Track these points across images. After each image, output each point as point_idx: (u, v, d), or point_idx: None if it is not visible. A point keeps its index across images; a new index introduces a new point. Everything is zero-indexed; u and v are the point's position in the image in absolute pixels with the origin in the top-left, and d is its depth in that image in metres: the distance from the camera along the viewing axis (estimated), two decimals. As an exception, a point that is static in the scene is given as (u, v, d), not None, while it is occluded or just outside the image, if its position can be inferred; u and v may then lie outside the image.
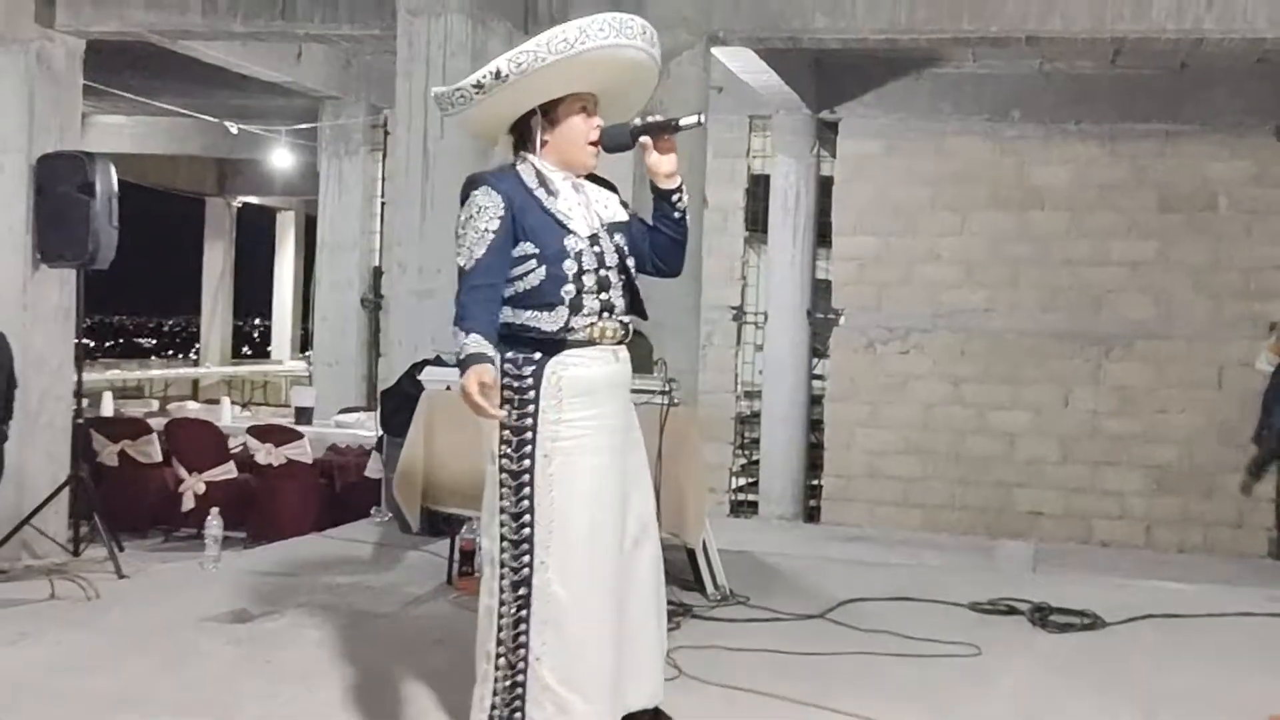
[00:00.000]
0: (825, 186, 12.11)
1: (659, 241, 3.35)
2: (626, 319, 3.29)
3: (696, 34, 7.79)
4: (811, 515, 12.20)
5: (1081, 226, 11.52)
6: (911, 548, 10.03)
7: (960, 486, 11.72)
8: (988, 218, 11.71)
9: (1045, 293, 11.59)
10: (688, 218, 3.35)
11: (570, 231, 3.20)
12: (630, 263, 3.30)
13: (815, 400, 12.23)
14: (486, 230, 3.14)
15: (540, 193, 3.21)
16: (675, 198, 3.30)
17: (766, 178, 12.21)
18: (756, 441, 12.33)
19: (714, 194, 10.32)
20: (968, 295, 11.76)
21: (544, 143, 3.27)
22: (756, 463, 12.32)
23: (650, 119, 3.26)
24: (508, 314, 3.18)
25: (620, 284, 3.27)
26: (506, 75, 3.14)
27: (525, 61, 3.12)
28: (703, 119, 3.29)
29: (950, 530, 11.30)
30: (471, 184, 3.23)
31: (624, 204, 3.39)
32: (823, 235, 12.13)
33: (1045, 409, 11.55)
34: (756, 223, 12.35)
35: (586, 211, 3.26)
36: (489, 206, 3.16)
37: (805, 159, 11.95)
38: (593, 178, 3.36)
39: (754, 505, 12.29)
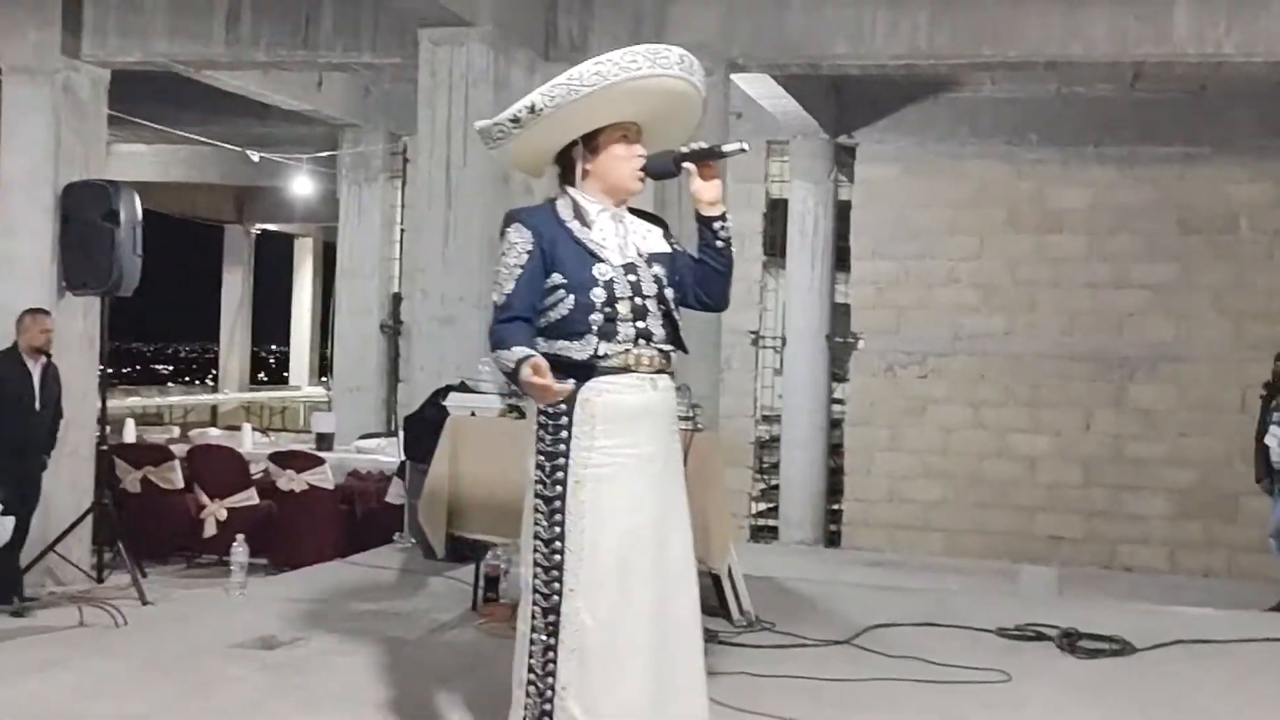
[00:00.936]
0: (843, 211, 12.13)
1: (702, 274, 3.32)
2: (666, 348, 3.27)
3: (717, 60, 7.81)
4: (832, 540, 12.16)
5: (1101, 250, 11.50)
6: (933, 572, 10.03)
7: (981, 511, 11.67)
8: (1006, 241, 11.70)
9: (1065, 316, 11.56)
10: (732, 249, 3.32)
11: (601, 260, 3.20)
12: (669, 293, 3.27)
13: (834, 424, 12.21)
14: (516, 265, 3.18)
15: (574, 224, 3.22)
16: (718, 225, 3.28)
17: (784, 202, 12.24)
18: (776, 466, 12.31)
19: (732, 218, 10.24)
20: (987, 319, 11.74)
21: (586, 173, 3.27)
22: (776, 487, 12.30)
23: (694, 146, 3.26)
24: (541, 345, 3.18)
25: (659, 313, 3.25)
26: (541, 109, 3.16)
27: (559, 95, 3.14)
28: (747, 146, 3.28)
29: (971, 555, 11.26)
30: (506, 221, 3.26)
31: (671, 239, 3.37)
32: (841, 259, 12.14)
33: (1066, 432, 11.51)
34: (774, 247, 12.37)
35: (624, 241, 3.26)
36: (518, 242, 3.20)
37: (823, 183, 11.98)
38: (640, 213, 3.37)
39: (774, 530, 12.26)
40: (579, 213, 3.25)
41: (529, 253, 3.18)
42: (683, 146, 3.28)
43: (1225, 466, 11.10)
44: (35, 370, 7.54)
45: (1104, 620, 5.45)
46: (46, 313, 7.70)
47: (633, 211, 3.36)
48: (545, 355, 3.16)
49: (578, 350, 3.16)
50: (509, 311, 3.18)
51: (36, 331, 7.50)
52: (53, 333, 7.57)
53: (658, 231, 3.36)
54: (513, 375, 3.09)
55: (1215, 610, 6.24)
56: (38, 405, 7.52)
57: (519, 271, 3.17)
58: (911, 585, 8.65)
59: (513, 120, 3.22)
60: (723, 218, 3.29)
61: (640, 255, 3.26)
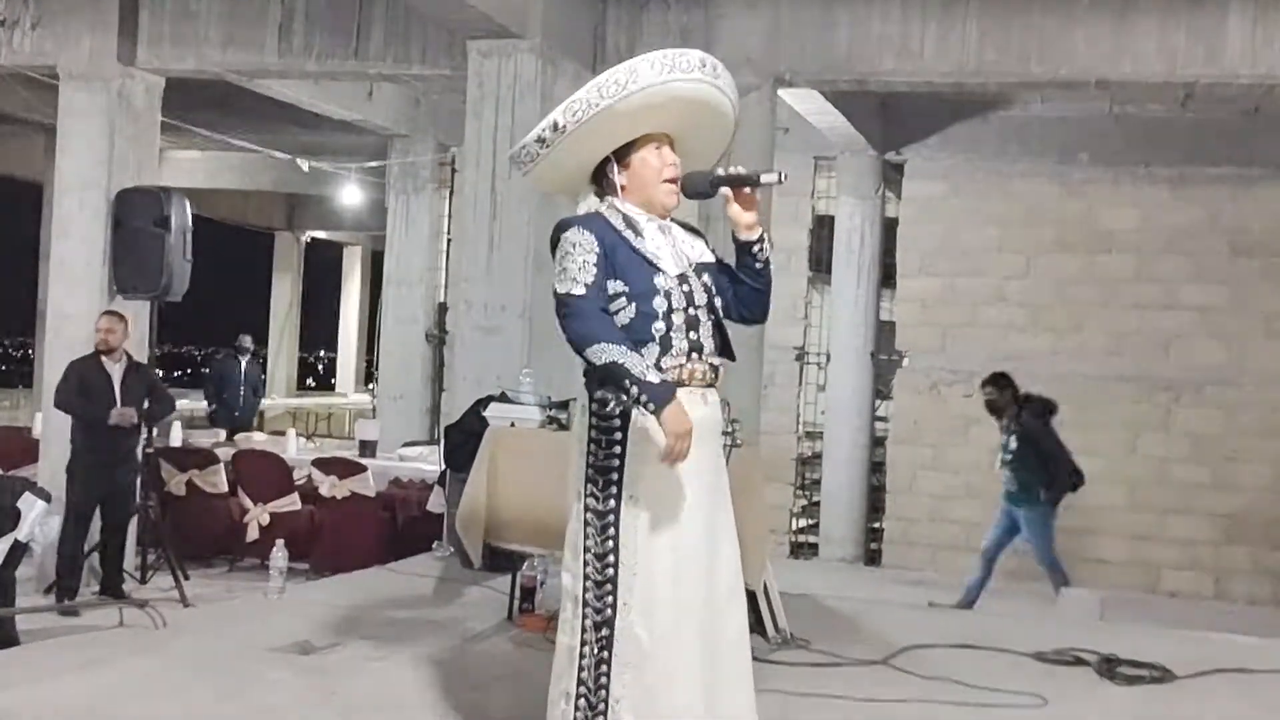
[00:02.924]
0: (889, 227, 12.08)
1: (742, 292, 3.32)
2: (716, 361, 3.26)
3: (763, 76, 7.83)
4: (873, 558, 12.09)
5: (1150, 270, 11.38)
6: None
7: (1024, 532, 11.54)
8: (1054, 260, 11.60)
9: (1112, 337, 11.44)
10: (770, 268, 3.31)
11: (659, 270, 3.19)
12: (718, 302, 3.28)
13: (877, 442, 12.14)
14: (586, 261, 3.14)
15: (628, 233, 3.21)
16: (756, 249, 3.26)
17: (831, 218, 12.21)
18: (817, 482, 12.25)
19: (778, 234, 10.27)
20: (1033, 338, 11.65)
21: (622, 187, 3.27)
22: (817, 504, 12.24)
23: (732, 170, 3.22)
24: None
25: (710, 323, 3.25)
26: (564, 126, 3.17)
27: (580, 109, 3.14)
28: (784, 177, 3.24)
29: (1013, 577, 11.13)
30: (561, 227, 3.23)
31: (712, 250, 3.39)
32: (887, 276, 12.09)
33: (1112, 454, 11.36)
34: (820, 263, 12.34)
35: (674, 251, 3.26)
36: (583, 242, 3.17)
37: (870, 200, 11.94)
38: (680, 223, 3.36)
39: (814, 547, 12.20)
40: (630, 222, 3.24)
41: (596, 252, 3.15)
42: (720, 169, 3.25)
43: (1273, 492, 10.94)
44: (115, 372, 7.68)
45: (1145, 646, 5.39)
46: (115, 314, 7.84)
47: (674, 222, 3.37)
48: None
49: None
50: (589, 302, 3.11)
51: (105, 333, 7.67)
52: (112, 332, 7.69)
53: (701, 242, 3.37)
54: (626, 387, 3.03)
55: (1260, 639, 6.14)
56: (118, 404, 7.65)
57: (592, 268, 3.13)
58: (951, 605, 8.59)
59: (538, 141, 3.23)
60: (760, 240, 3.26)
61: (690, 265, 3.26)
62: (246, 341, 13.18)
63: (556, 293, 3.17)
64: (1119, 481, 11.36)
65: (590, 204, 3.32)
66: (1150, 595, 10.25)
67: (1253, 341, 11.13)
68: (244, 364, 12.98)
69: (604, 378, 3.09)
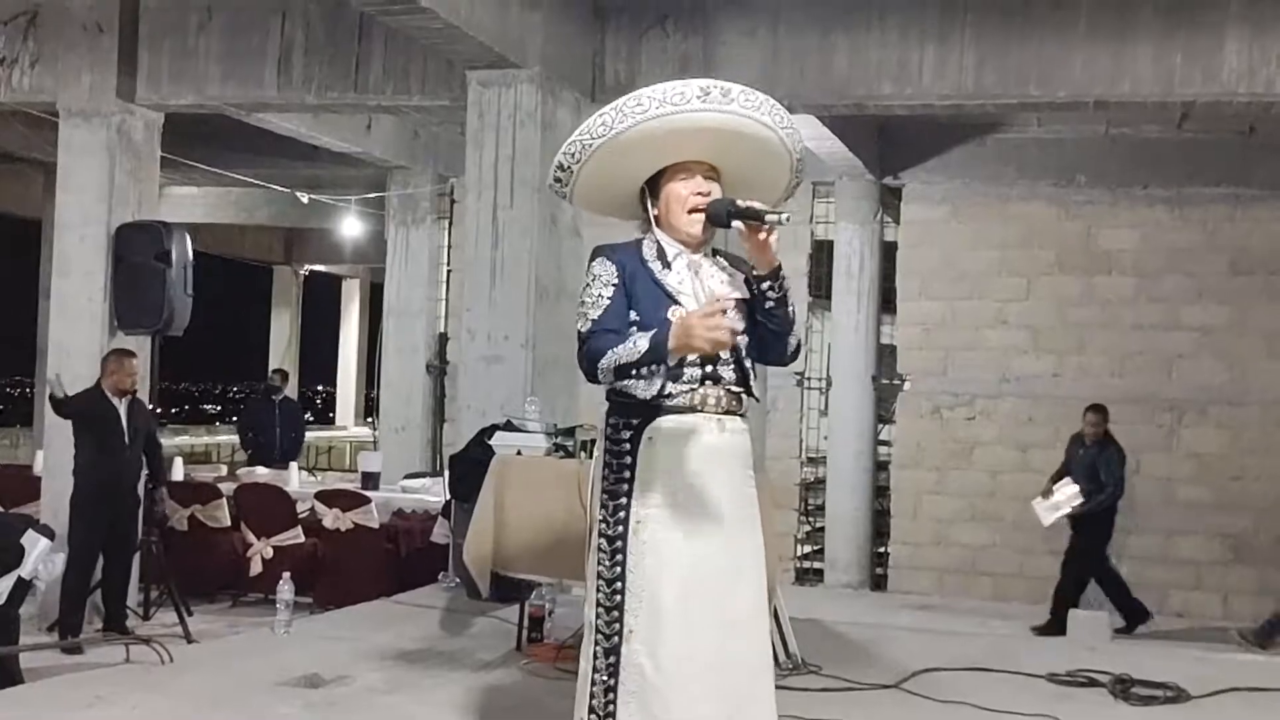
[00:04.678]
0: (889, 252, 12.09)
1: (760, 333, 3.22)
2: (736, 389, 3.19)
3: (762, 101, 7.83)
4: (878, 583, 12.04)
5: (1151, 291, 11.39)
6: (981, 616, 9.90)
7: (1029, 555, 11.50)
8: (1054, 282, 11.61)
9: (1114, 358, 11.44)
10: (789, 309, 3.19)
11: (677, 304, 3.13)
12: (742, 341, 3.19)
13: (881, 466, 12.11)
14: (601, 295, 3.13)
15: (655, 265, 3.17)
16: (765, 285, 3.15)
17: (830, 243, 12.22)
18: (821, 508, 12.22)
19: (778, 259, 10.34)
20: (1035, 360, 11.64)
21: (656, 217, 3.24)
22: (822, 529, 12.21)
23: (746, 203, 3.12)
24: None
25: (731, 360, 3.17)
26: (570, 168, 3.17)
27: (576, 151, 3.14)
28: (786, 218, 3.09)
29: (1020, 599, 11.10)
30: (592, 256, 3.22)
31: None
32: (887, 300, 12.09)
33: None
34: (820, 288, 12.35)
35: (698, 286, 3.18)
36: (602, 274, 3.16)
37: (869, 224, 11.96)
38: (727, 256, 3.29)
39: (819, 573, 12.15)
40: (661, 254, 3.20)
41: (614, 284, 3.13)
42: (741, 200, 3.13)
43: (1279, 511, 10.91)
44: (122, 408, 7.69)
45: (1158, 666, 5.36)
46: (132, 355, 7.87)
47: (718, 253, 3.28)
48: (615, 390, 3.14)
49: (643, 389, 3.09)
50: (598, 328, 3.10)
51: (124, 375, 7.73)
52: (133, 374, 7.74)
53: (739, 277, 3.25)
54: (643, 360, 3.00)
55: (1271, 657, 6.11)
56: (126, 440, 7.66)
57: (606, 302, 3.12)
58: (959, 629, 8.55)
59: (556, 181, 3.23)
60: (773, 276, 3.14)
61: (715, 299, 3.12)
62: (276, 380, 12.74)
63: (578, 331, 3.17)
64: (1124, 503, 11.30)
65: (638, 231, 3.30)
66: (1158, 616, 10.19)
67: (1255, 361, 11.13)
68: (278, 402, 12.46)
69: (621, 378, 3.07)
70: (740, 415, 3.21)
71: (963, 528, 11.74)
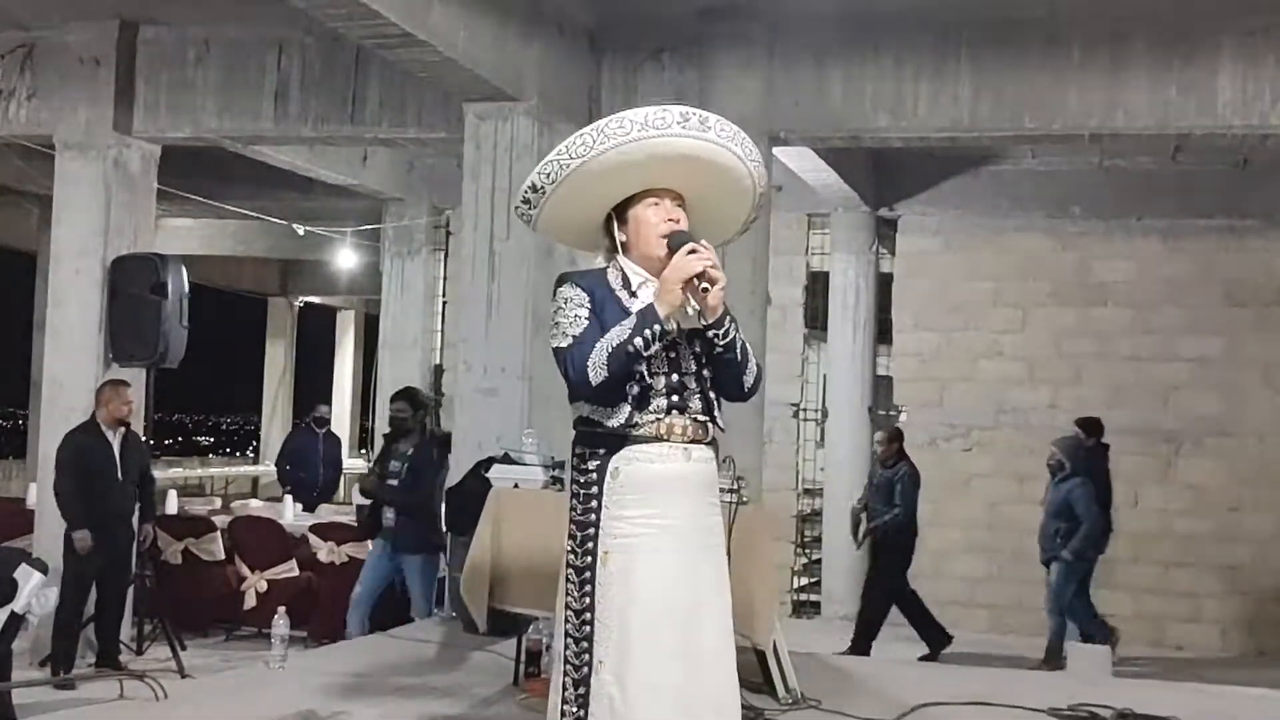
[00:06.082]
0: (884, 283, 12.10)
1: (716, 370, 3.22)
2: (703, 418, 3.19)
3: (758, 134, 7.83)
4: (875, 616, 11.96)
5: (1146, 322, 11.40)
6: (980, 650, 9.84)
7: (1027, 587, 11.43)
8: (1050, 314, 11.62)
9: (1110, 389, 11.43)
10: (738, 348, 3.17)
11: None
12: (707, 372, 3.20)
13: (878, 498, 12.06)
14: (578, 316, 3.11)
15: (621, 293, 3.18)
16: (712, 334, 3.15)
17: (825, 275, 12.23)
18: (818, 540, 12.17)
19: (773, 291, 10.32)
20: (1031, 392, 11.64)
21: (623, 243, 3.24)
22: (818, 561, 12.15)
23: (699, 244, 3.09)
24: (579, 407, 3.16)
25: (697, 389, 3.18)
26: (542, 188, 3.15)
27: (552, 171, 3.12)
28: (720, 288, 3.08)
29: (1018, 632, 11.05)
30: (558, 282, 3.21)
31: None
32: (882, 332, 12.09)
33: (1114, 507, 11.31)
34: (816, 319, 12.35)
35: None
36: (574, 297, 3.14)
37: (864, 256, 11.97)
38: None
39: (816, 605, 12.10)
40: (626, 282, 3.21)
41: (586, 307, 3.12)
42: (702, 242, 3.10)
43: (1277, 543, 10.89)
44: (115, 440, 7.65)
45: (1159, 700, 5.32)
46: (126, 384, 7.84)
47: None
48: (581, 419, 3.14)
49: (611, 417, 3.10)
50: (580, 345, 3.07)
51: (119, 404, 7.68)
52: (129, 404, 7.70)
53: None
54: (635, 331, 3.01)
55: (1271, 690, 6.07)
56: (119, 475, 7.62)
57: (583, 321, 3.10)
58: (959, 662, 8.51)
59: (524, 202, 3.20)
60: (718, 324, 3.12)
61: (682, 331, 3.17)
62: (325, 412, 12.50)
63: (553, 349, 3.14)
64: (1121, 534, 11.28)
65: (601, 259, 3.30)
66: (1156, 649, 10.16)
67: (1251, 392, 11.14)
68: (322, 435, 12.27)
69: (615, 366, 3.03)
70: (706, 444, 3.21)
71: (960, 559, 11.70)
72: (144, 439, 8.18)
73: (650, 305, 3.05)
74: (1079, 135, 7.75)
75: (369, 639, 6.65)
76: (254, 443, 23.75)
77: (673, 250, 3.11)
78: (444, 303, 12.85)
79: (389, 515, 7.41)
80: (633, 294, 3.18)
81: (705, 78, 7.82)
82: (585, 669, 3.07)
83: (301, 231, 13.15)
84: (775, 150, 8.49)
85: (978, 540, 11.68)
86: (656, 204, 3.20)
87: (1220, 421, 11.17)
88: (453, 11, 6.47)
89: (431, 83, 7.49)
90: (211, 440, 49.20)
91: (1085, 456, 9.61)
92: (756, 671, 5.20)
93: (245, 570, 9.02)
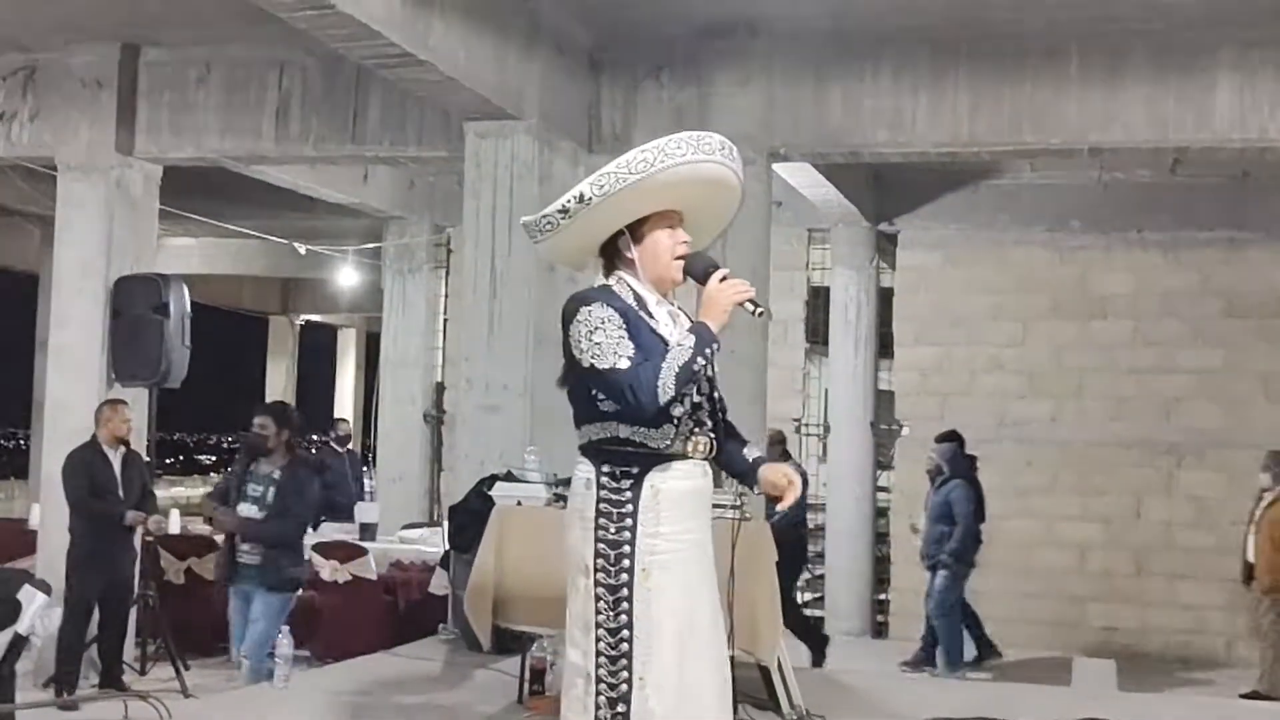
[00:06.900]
0: (885, 298, 12.12)
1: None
2: (713, 435, 3.29)
3: (758, 150, 7.88)
4: (879, 630, 11.97)
5: (1146, 335, 11.42)
6: (985, 663, 9.82)
7: (1030, 600, 11.47)
8: (1050, 327, 11.64)
9: (1111, 402, 11.44)
10: None
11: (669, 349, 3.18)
12: (707, 386, 3.29)
13: (880, 512, 12.07)
14: (622, 337, 3.12)
15: (641, 312, 3.22)
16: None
17: (826, 290, 12.25)
18: (821, 555, 12.16)
19: (774, 306, 10.29)
20: (1032, 405, 11.65)
21: (632, 262, 3.28)
22: (821, 577, 12.14)
23: (739, 290, 3.20)
24: (611, 427, 3.17)
25: (707, 405, 3.28)
26: (590, 198, 3.18)
27: (607, 184, 3.16)
28: (762, 313, 3.28)
29: (1022, 646, 11.03)
30: (582, 301, 3.19)
31: None
32: (884, 346, 12.10)
33: (1116, 520, 11.33)
34: (817, 334, 12.36)
35: (680, 331, 3.24)
36: (610, 317, 3.14)
37: (865, 270, 11.99)
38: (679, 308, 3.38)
39: (820, 620, 12.07)
40: (640, 300, 3.25)
41: (623, 328, 3.13)
42: (724, 270, 3.24)
43: (1281, 554, 10.85)
44: (115, 459, 7.65)
45: (1165, 713, 5.32)
46: (124, 403, 7.84)
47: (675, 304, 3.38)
48: (615, 438, 3.16)
49: (656, 438, 3.15)
50: (639, 358, 3.09)
51: (119, 422, 7.68)
52: (128, 422, 7.70)
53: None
54: (697, 350, 3.10)
55: (1275, 703, 6.07)
56: (120, 493, 7.62)
57: (628, 342, 3.11)
58: (963, 677, 8.50)
59: (561, 211, 3.23)
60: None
61: None
62: (345, 428, 12.31)
63: (601, 369, 3.11)
64: (1124, 548, 11.31)
65: (599, 278, 3.32)
66: (1162, 662, 10.14)
67: (1252, 403, 11.14)
68: (345, 453, 12.00)
69: (683, 383, 3.11)
70: (709, 460, 3.31)
71: (962, 573, 11.65)
72: (145, 458, 8.19)
73: (705, 325, 3.15)
74: (1078, 149, 7.77)
75: (373, 657, 6.64)
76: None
77: (688, 273, 3.25)
78: (445, 320, 12.87)
79: (244, 548, 6.65)
80: (650, 315, 3.22)
81: (705, 95, 7.85)
82: (625, 685, 3.10)
83: (303, 250, 13.17)
84: (775, 166, 8.51)
85: (981, 554, 11.63)
86: (671, 227, 3.29)
87: (1221, 433, 11.17)
88: (453, 32, 6.49)
89: (432, 102, 7.52)
90: (214, 459, 49.11)
91: (965, 464, 9.70)
92: (760, 688, 5.20)
93: (248, 589, 8.98)
